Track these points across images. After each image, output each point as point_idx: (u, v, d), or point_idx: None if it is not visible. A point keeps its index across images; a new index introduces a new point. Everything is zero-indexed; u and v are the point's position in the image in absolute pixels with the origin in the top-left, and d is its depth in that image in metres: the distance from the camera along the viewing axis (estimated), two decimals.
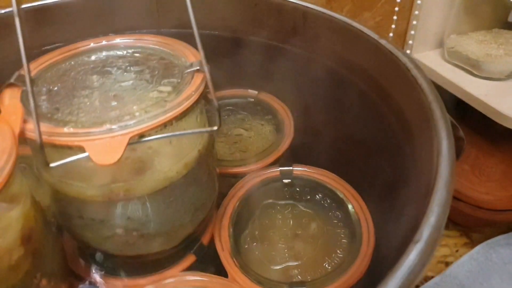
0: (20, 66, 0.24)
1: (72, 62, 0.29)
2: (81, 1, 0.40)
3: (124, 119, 0.23)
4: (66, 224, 0.29)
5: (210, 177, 0.31)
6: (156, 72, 0.27)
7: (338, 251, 0.33)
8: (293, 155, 0.42)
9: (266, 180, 0.38)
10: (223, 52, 0.43)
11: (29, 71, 0.20)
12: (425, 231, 0.20)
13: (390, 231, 0.29)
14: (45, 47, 0.38)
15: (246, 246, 0.34)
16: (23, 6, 0.39)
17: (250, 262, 0.32)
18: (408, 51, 0.66)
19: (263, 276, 0.31)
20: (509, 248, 0.56)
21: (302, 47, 0.42)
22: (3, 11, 0.36)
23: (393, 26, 0.65)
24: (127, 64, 0.28)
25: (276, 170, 0.39)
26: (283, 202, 0.37)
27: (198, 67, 0.26)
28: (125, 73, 0.28)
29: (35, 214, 0.24)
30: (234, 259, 0.32)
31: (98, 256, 0.31)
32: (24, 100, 0.24)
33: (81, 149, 0.22)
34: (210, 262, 0.34)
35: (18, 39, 0.20)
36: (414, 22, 0.64)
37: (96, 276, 0.31)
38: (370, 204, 0.35)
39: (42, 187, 0.27)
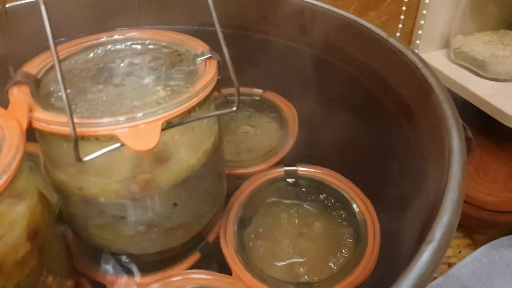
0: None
1: (78, 59, 0.29)
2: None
3: (151, 107, 0.23)
4: (81, 227, 0.29)
5: (222, 167, 0.32)
6: (170, 62, 0.28)
7: (343, 250, 0.33)
8: (298, 155, 0.42)
9: (271, 179, 0.38)
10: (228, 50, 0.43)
11: (59, 65, 0.20)
12: (438, 231, 0.19)
13: (398, 231, 0.29)
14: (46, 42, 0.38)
15: (250, 244, 0.34)
16: (23, 2, 0.39)
17: (254, 259, 0.32)
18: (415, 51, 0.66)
19: (268, 274, 0.31)
20: None
21: (309, 45, 0.42)
22: None
23: (400, 25, 0.65)
24: (140, 57, 0.29)
25: (280, 170, 0.39)
26: (288, 201, 0.37)
27: (209, 55, 0.27)
28: (138, 66, 0.28)
29: (42, 210, 0.23)
30: (239, 256, 0.32)
31: (104, 254, 0.31)
32: (35, 96, 0.24)
33: (112, 140, 0.21)
34: (214, 260, 0.34)
35: (46, 29, 0.19)
36: (422, 22, 0.63)
37: (101, 274, 0.31)
38: (379, 205, 0.35)
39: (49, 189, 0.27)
